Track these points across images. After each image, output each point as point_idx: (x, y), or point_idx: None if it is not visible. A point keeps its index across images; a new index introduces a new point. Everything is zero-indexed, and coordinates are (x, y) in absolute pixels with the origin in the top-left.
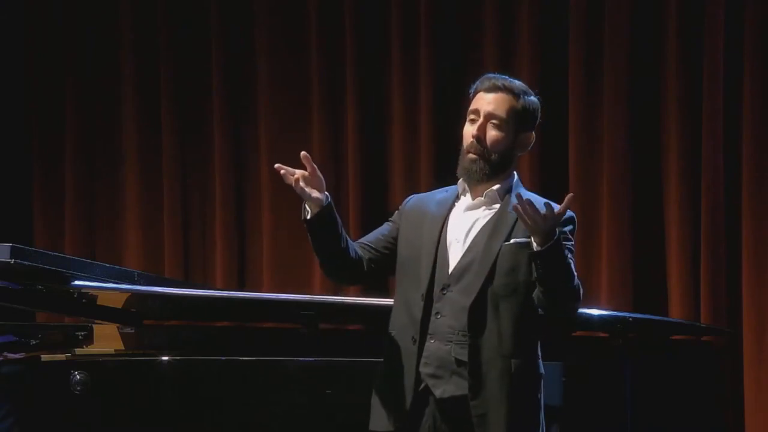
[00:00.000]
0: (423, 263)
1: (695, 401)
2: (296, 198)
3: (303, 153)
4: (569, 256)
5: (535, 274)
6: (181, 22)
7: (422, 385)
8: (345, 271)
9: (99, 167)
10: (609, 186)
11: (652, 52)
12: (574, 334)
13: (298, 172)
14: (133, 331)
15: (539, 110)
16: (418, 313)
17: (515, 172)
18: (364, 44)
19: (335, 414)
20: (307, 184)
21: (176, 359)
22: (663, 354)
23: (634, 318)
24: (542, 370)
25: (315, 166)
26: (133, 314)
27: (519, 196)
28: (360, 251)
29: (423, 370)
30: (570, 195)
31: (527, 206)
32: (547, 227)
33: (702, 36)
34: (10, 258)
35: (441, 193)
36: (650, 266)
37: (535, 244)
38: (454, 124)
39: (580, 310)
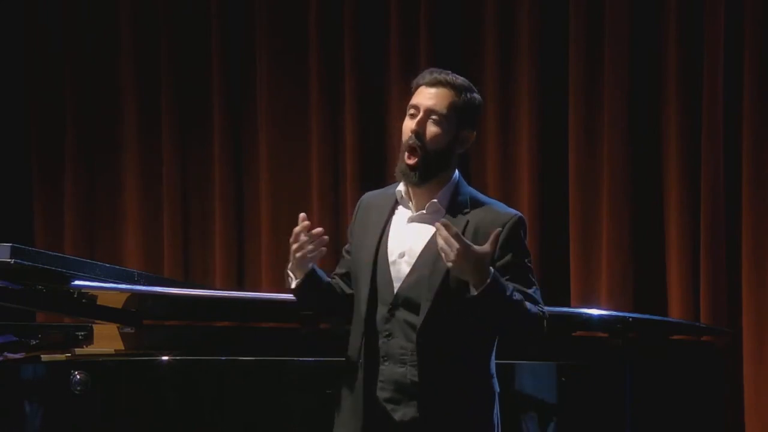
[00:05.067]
0: (362, 284)
1: (695, 401)
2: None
3: (302, 214)
4: (512, 290)
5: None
6: (181, 22)
7: (379, 410)
8: (345, 316)
9: (99, 167)
10: (609, 186)
11: (652, 52)
12: (574, 334)
13: (301, 235)
14: (133, 331)
15: (481, 108)
16: (362, 335)
17: (457, 171)
18: (363, 44)
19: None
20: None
21: (176, 359)
22: (663, 354)
23: (634, 318)
24: (497, 389)
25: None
26: (133, 314)
27: (440, 225)
28: (344, 288)
29: (380, 394)
30: (498, 230)
31: (448, 238)
32: (468, 267)
33: (702, 36)
34: (10, 258)
35: (381, 197)
36: (650, 266)
37: (471, 287)
38: None
39: (580, 310)
